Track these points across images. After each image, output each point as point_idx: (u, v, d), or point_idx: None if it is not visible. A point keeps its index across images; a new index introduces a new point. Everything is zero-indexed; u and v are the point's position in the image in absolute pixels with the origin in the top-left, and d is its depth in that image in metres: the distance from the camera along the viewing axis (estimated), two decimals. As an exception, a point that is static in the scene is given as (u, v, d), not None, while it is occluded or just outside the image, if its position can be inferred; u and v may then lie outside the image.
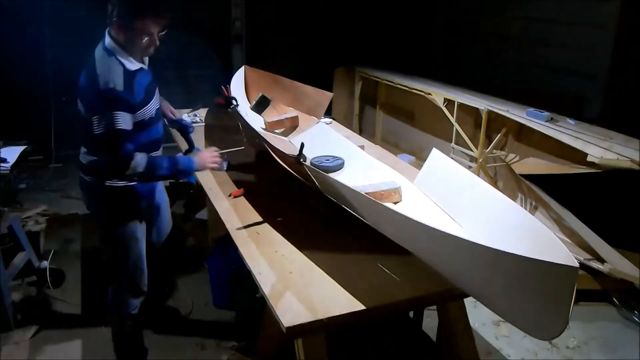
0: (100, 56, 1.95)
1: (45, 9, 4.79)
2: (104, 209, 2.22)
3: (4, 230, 2.94)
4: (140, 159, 1.96)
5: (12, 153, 2.84)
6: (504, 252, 1.21)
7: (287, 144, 2.74)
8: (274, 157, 2.58)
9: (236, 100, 2.72)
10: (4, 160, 2.75)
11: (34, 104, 4.93)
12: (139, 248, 2.25)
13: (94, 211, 2.30)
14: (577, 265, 1.17)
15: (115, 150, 1.93)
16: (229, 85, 2.70)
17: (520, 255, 1.19)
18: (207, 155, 2.21)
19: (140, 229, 2.24)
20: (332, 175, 2.13)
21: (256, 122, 2.92)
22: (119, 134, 1.90)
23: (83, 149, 2.23)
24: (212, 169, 2.25)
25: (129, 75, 1.94)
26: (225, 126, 3.17)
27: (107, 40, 1.97)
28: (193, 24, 5.34)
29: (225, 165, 2.60)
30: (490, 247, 1.23)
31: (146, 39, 1.96)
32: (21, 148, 2.93)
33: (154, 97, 2.12)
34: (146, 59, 2.11)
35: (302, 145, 2.07)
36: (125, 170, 1.95)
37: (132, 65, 1.98)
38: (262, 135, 2.54)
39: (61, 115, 4.97)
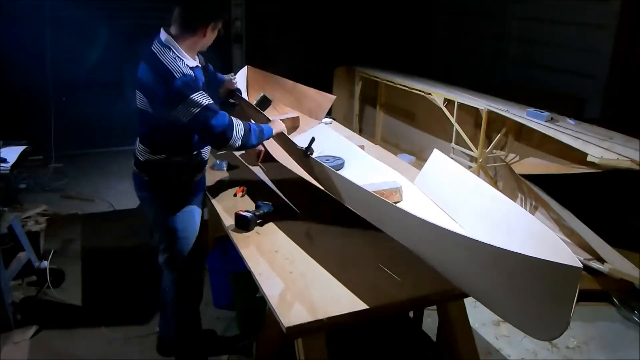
0: (161, 53, 1.97)
1: (45, 9, 4.79)
2: (167, 197, 2.19)
3: (4, 230, 2.93)
4: (237, 123, 2.03)
5: (12, 153, 2.84)
6: (508, 251, 1.21)
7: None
8: (274, 156, 2.58)
9: (240, 92, 2.70)
10: (4, 160, 2.74)
11: (34, 104, 4.93)
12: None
13: (155, 204, 2.22)
14: (581, 266, 1.17)
15: (213, 125, 1.95)
16: (235, 75, 2.70)
17: (525, 255, 1.19)
18: (279, 122, 2.31)
19: (198, 213, 2.27)
20: (332, 175, 2.13)
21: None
22: (209, 108, 1.95)
23: (143, 147, 2.14)
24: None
25: (191, 69, 2.01)
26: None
27: (165, 37, 2.01)
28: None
29: (224, 166, 2.61)
30: (493, 246, 1.24)
31: (207, 42, 2.09)
32: (21, 148, 2.93)
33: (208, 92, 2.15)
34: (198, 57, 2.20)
35: (313, 139, 2.11)
36: (226, 137, 1.99)
37: (190, 62, 2.04)
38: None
39: (61, 115, 4.97)
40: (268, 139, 2.23)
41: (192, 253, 2.26)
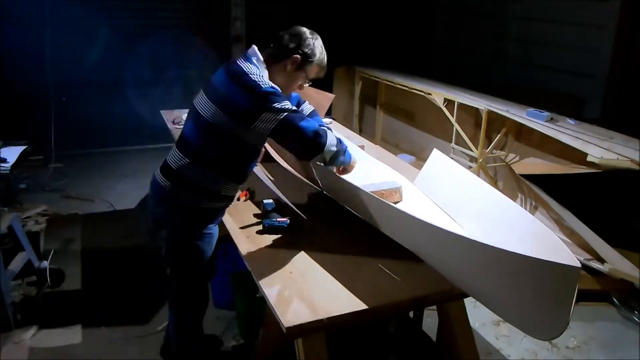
0: (249, 69, 1.85)
1: (45, 9, 4.80)
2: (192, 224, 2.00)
3: (4, 230, 2.93)
4: (329, 133, 1.90)
5: (12, 153, 2.84)
6: (507, 251, 1.21)
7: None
8: (274, 156, 2.58)
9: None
10: (4, 160, 2.74)
11: (34, 104, 4.94)
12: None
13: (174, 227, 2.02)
14: (579, 265, 1.17)
15: (303, 127, 1.82)
16: None
17: (523, 255, 1.19)
18: (354, 164, 2.10)
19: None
20: (332, 175, 2.12)
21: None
22: (297, 111, 1.85)
23: (191, 161, 1.92)
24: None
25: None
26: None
27: (253, 54, 1.94)
28: (193, 23, 5.35)
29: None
30: (493, 246, 1.24)
31: (290, 84, 1.98)
32: (21, 148, 2.93)
33: None
34: None
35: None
36: (320, 142, 1.85)
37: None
38: None
39: (61, 115, 4.97)
40: (345, 164, 2.04)
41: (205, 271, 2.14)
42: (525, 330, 1.38)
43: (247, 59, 1.91)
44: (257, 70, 1.87)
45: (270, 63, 1.94)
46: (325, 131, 1.89)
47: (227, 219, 2.12)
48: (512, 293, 1.34)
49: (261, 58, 1.93)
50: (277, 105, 1.79)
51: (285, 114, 1.79)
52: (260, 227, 2.02)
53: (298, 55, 1.92)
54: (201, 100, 1.89)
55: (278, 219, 2.01)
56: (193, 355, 2.26)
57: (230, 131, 1.83)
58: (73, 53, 4.95)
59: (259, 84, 1.80)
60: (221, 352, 2.63)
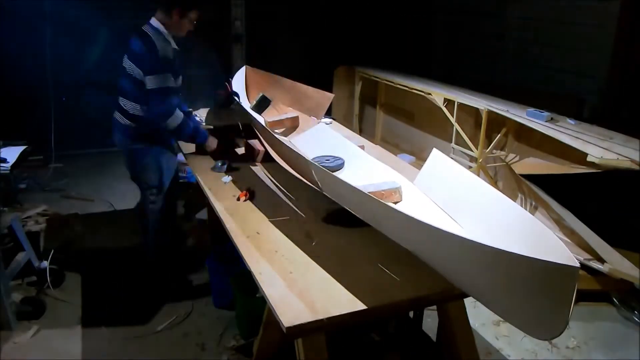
0: (153, 33, 2.57)
1: (45, 9, 4.79)
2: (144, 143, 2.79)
3: (4, 230, 2.93)
4: (177, 115, 2.60)
5: (12, 153, 2.84)
6: (505, 251, 1.21)
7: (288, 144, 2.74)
8: (274, 156, 2.58)
9: (238, 96, 2.87)
10: (4, 160, 2.74)
11: (34, 104, 4.94)
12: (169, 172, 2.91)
13: (133, 148, 2.83)
14: (578, 265, 1.17)
15: (162, 103, 2.56)
16: (231, 79, 2.93)
17: (522, 255, 1.19)
18: (214, 143, 2.80)
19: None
20: (332, 175, 2.12)
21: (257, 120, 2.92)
22: (168, 90, 2.56)
23: (125, 101, 2.75)
24: (208, 150, 2.80)
25: (173, 50, 2.60)
26: (226, 126, 3.17)
27: (156, 23, 2.61)
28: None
29: (223, 167, 2.60)
30: (491, 246, 1.24)
31: (188, 26, 2.67)
32: (21, 148, 2.93)
33: (180, 72, 2.75)
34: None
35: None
36: (165, 120, 2.59)
37: (173, 44, 2.63)
38: (267, 129, 2.55)
39: (61, 115, 4.97)
40: (201, 141, 2.77)
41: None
42: (525, 330, 1.38)
43: (152, 27, 2.61)
44: (160, 36, 2.58)
45: (169, 23, 2.64)
46: (175, 116, 2.59)
47: (227, 219, 2.12)
48: (511, 293, 1.34)
49: (158, 24, 2.63)
50: (161, 76, 2.53)
51: (161, 86, 2.54)
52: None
53: (178, 8, 2.60)
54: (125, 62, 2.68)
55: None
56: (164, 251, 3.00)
57: (143, 76, 2.58)
58: (73, 53, 4.95)
59: (157, 52, 2.53)
60: (221, 351, 2.63)
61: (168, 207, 3.04)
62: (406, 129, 4.79)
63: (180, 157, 3.20)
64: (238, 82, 3.23)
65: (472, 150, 3.66)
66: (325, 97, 3.10)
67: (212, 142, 2.79)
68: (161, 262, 3.06)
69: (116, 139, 2.91)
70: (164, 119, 2.60)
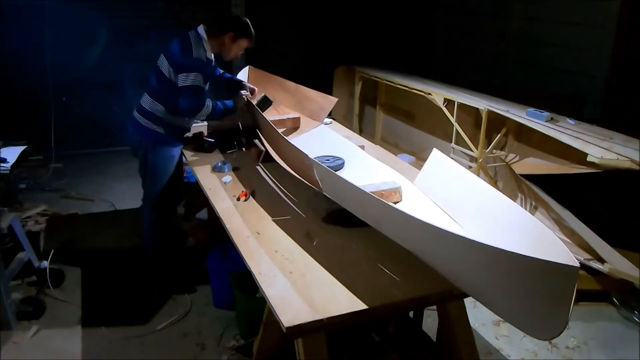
0: (194, 37, 2.71)
1: (45, 9, 4.80)
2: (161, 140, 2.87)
3: (4, 230, 2.93)
4: (207, 106, 2.77)
5: (12, 153, 2.84)
6: (506, 251, 1.21)
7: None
8: (275, 156, 2.58)
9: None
10: (4, 160, 2.74)
11: (34, 104, 4.94)
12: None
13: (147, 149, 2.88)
14: (578, 265, 1.17)
15: (192, 100, 2.70)
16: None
17: (522, 255, 1.19)
18: (239, 96, 2.97)
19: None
20: (332, 175, 2.12)
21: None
22: (199, 88, 2.70)
23: (150, 100, 2.81)
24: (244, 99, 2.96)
25: (207, 58, 2.76)
26: (226, 127, 3.17)
27: (201, 31, 2.73)
28: (193, 24, 5.34)
29: (226, 168, 2.60)
30: (491, 246, 1.24)
31: (236, 51, 2.85)
32: (21, 148, 2.93)
33: (209, 81, 2.89)
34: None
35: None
36: (195, 114, 2.78)
37: (209, 54, 2.78)
38: (269, 124, 2.55)
39: (61, 115, 4.97)
40: (232, 110, 2.92)
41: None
42: (524, 330, 1.38)
43: (196, 33, 2.73)
44: (199, 42, 2.69)
45: (215, 39, 2.77)
46: (207, 106, 2.75)
47: (227, 219, 2.12)
48: (511, 293, 1.34)
49: (204, 33, 2.74)
50: (193, 75, 2.64)
51: (193, 83, 2.65)
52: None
53: (232, 33, 2.76)
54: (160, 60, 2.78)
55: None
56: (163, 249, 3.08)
57: (176, 74, 2.69)
58: (73, 53, 4.95)
59: (192, 53, 2.66)
60: (221, 351, 2.63)
61: (170, 208, 3.11)
62: (406, 129, 4.79)
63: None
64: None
65: (472, 150, 3.66)
66: (329, 101, 3.10)
67: (241, 99, 2.95)
68: (161, 261, 3.09)
69: (131, 138, 2.91)
70: (193, 114, 2.78)
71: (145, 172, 2.91)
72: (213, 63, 2.88)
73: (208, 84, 2.85)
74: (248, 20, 2.84)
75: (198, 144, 2.94)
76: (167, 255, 3.12)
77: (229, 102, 2.92)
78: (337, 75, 5.20)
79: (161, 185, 2.90)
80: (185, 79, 2.64)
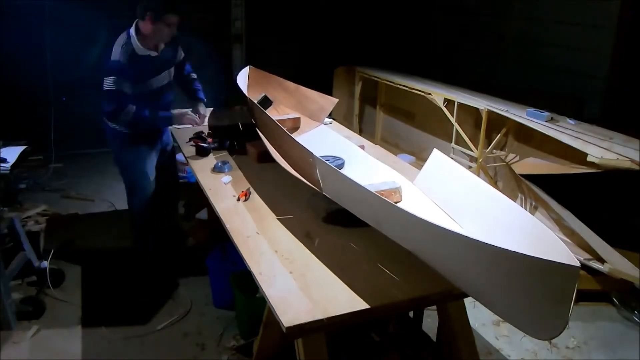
0: (121, 38, 2.70)
1: (45, 9, 4.79)
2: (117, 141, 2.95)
3: (4, 230, 2.93)
4: (128, 111, 2.69)
5: (12, 153, 2.84)
6: (506, 250, 1.21)
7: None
8: (275, 156, 2.58)
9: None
10: (4, 160, 2.74)
11: (34, 104, 4.93)
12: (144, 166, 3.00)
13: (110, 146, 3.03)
14: (579, 265, 1.17)
15: (109, 104, 2.70)
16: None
17: (522, 254, 1.19)
18: (184, 114, 2.95)
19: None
20: (332, 175, 2.12)
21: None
22: (115, 93, 2.64)
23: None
24: (187, 123, 2.97)
25: (138, 57, 2.68)
26: (226, 127, 3.17)
27: (131, 29, 2.70)
28: (193, 24, 5.34)
29: (226, 168, 2.60)
30: (492, 245, 1.24)
31: (166, 31, 2.74)
32: (21, 148, 2.93)
33: (156, 76, 2.85)
34: (160, 47, 2.84)
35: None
36: (114, 119, 2.77)
37: (141, 50, 2.70)
38: (270, 119, 2.55)
39: (61, 115, 4.97)
40: (166, 121, 2.94)
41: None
42: (524, 330, 1.38)
43: (128, 31, 2.74)
44: (123, 41, 2.69)
45: (143, 30, 2.72)
46: (126, 111, 2.70)
47: (227, 219, 2.12)
48: (511, 292, 1.34)
49: (133, 27, 2.72)
50: (109, 79, 2.64)
51: (109, 87, 2.65)
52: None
53: (149, 13, 2.67)
54: None
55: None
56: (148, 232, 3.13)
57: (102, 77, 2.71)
58: (73, 53, 4.94)
59: (109, 56, 2.70)
60: (221, 351, 2.63)
61: (155, 208, 3.10)
62: (406, 129, 4.79)
63: (180, 157, 3.21)
64: (240, 82, 3.23)
65: (472, 150, 3.66)
66: (329, 102, 3.10)
67: (180, 116, 2.92)
68: (154, 262, 3.14)
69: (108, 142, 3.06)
70: (112, 118, 2.78)
71: (123, 164, 3.02)
72: (155, 56, 2.81)
73: (156, 79, 2.82)
74: None
75: (196, 147, 2.90)
76: (159, 256, 3.19)
77: (165, 114, 2.89)
78: (337, 75, 5.20)
79: (131, 184, 2.98)
80: (104, 83, 2.65)
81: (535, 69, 4.81)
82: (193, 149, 2.91)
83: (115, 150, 2.99)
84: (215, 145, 2.93)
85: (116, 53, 2.66)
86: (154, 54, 2.79)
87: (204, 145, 2.88)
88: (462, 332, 1.92)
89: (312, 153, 2.06)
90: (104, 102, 2.72)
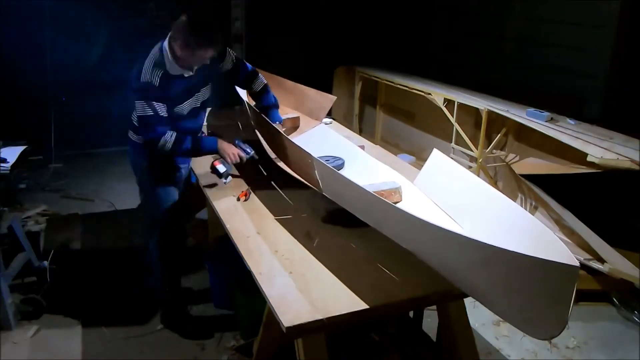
0: (153, 54, 2.27)
1: (45, 9, 4.79)
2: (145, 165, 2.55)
3: (4, 230, 2.93)
4: (167, 139, 2.29)
5: (12, 153, 2.84)
6: (506, 250, 1.21)
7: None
8: (273, 156, 2.58)
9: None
10: (4, 160, 2.74)
11: (34, 104, 4.93)
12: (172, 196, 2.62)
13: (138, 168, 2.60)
14: (578, 264, 1.17)
15: (145, 131, 2.34)
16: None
17: (522, 254, 1.19)
18: (228, 147, 2.42)
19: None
20: (332, 175, 2.12)
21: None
22: (149, 118, 2.25)
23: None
24: (230, 159, 2.42)
25: (171, 78, 2.27)
26: (227, 127, 3.17)
27: (165, 43, 2.28)
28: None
29: (248, 154, 2.46)
30: (491, 245, 1.24)
31: (194, 60, 2.28)
32: (21, 148, 2.93)
33: (190, 98, 2.43)
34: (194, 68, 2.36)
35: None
36: (154, 146, 2.31)
37: (173, 70, 2.28)
38: (269, 124, 2.54)
39: (61, 115, 4.97)
40: (210, 151, 2.43)
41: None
42: (524, 330, 1.38)
43: (161, 45, 2.29)
44: (156, 58, 2.25)
45: (176, 49, 2.25)
46: (166, 139, 2.28)
47: (227, 219, 2.12)
48: (510, 292, 1.34)
49: (167, 44, 2.27)
50: (143, 103, 2.24)
51: (145, 113, 2.25)
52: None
53: (180, 40, 2.21)
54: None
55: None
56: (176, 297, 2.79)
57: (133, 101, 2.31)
58: (73, 53, 4.94)
59: (140, 77, 2.23)
60: (221, 351, 2.63)
61: (178, 236, 2.76)
62: (406, 129, 4.79)
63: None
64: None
65: (472, 150, 3.66)
66: (327, 100, 3.10)
67: (228, 148, 2.40)
68: (173, 298, 2.81)
69: (129, 158, 2.62)
70: (150, 147, 2.38)
71: (146, 197, 2.61)
72: (189, 76, 2.33)
73: (193, 100, 2.43)
74: (202, 17, 2.26)
75: (212, 169, 2.46)
76: (178, 289, 2.83)
77: (210, 143, 2.41)
78: (337, 75, 5.20)
79: (164, 210, 2.56)
80: (137, 107, 2.27)
81: (535, 69, 4.81)
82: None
83: (141, 177, 2.59)
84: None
85: (147, 72, 2.22)
86: (188, 73, 2.33)
87: (225, 167, 2.44)
88: (462, 332, 1.92)
89: (310, 154, 2.06)
90: (139, 129, 2.40)
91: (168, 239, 2.66)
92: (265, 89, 2.72)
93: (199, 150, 2.40)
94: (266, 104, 2.70)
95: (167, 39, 2.26)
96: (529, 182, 3.26)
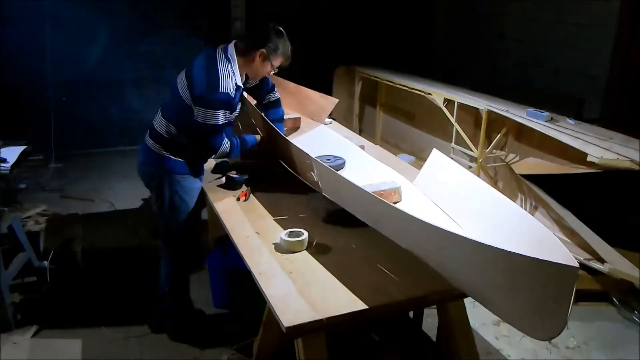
0: (223, 62, 2.26)
1: (45, 9, 4.80)
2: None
3: (4, 230, 2.93)
4: (224, 146, 2.39)
5: (12, 153, 2.84)
6: (505, 250, 1.22)
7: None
8: (277, 156, 2.58)
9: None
10: (4, 160, 2.75)
11: (34, 104, 4.94)
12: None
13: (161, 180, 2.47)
14: (577, 265, 1.17)
15: (207, 139, 2.33)
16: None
17: (521, 254, 1.19)
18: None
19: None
20: (332, 175, 2.12)
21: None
22: (216, 127, 2.28)
23: (166, 122, 2.39)
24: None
25: (236, 87, 2.31)
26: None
27: (232, 53, 2.30)
28: (193, 24, 5.35)
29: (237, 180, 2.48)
30: (491, 246, 1.24)
31: (267, 70, 2.38)
32: (21, 148, 2.93)
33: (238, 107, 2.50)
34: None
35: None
36: (212, 154, 2.43)
37: (238, 80, 2.32)
38: (269, 124, 2.54)
39: (61, 115, 4.97)
40: (253, 147, 2.58)
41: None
42: (523, 330, 1.38)
43: (225, 53, 2.29)
44: (227, 68, 2.25)
45: (247, 58, 2.32)
46: (224, 147, 2.38)
47: (227, 219, 2.12)
48: (510, 293, 1.34)
49: (234, 52, 2.31)
50: (210, 112, 2.23)
51: (210, 122, 2.25)
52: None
53: (264, 50, 2.29)
54: (179, 78, 2.34)
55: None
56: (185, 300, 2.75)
57: (194, 105, 2.27)
58: (73, 53, 4.95)
59: (218, 86, 2.21)
60: (221, 351, 2.63)
61: (191, 247, 2.73)
62: (406, 129, 4.79)
63: None
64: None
65: (472, 150, 3.66)
66: (330, 102, 3.10)
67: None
68: (178, 308, 2.77)
69: (142, 167, 2.50)
70: (206, 155, 2.45)
71: (162, 208, 2.46)
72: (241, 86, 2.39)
73: (237, 111, 2.46)
74: (283, 31, 2.35)
75: (226, 181, 2.49)
76: (184, 300, 2.79)
77: (251, 139, 2.56)
78: (337, 75, 5.20)
79: (181, 222, 2.48)
80: (204, 115, 2.22)
81: (535, 69, 4.81)
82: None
83: (172, 184, 2.42)
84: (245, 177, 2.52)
85: (225, 84, 2.21)
86: (242, 85, 2.40)
87: (238, 176, 2.49)
88: (462, 332, 1.92)
89: (309, 155, 2.06)
90: (197, 136, 2.32)
91: (184, 253, 2.64)
92: (278, 103, 2.77)
93: (246, 148, 2.55)
94: (272, 118, 2.69)
95: (232, 49, 2.30)
96: (529, 182, 3.25)
